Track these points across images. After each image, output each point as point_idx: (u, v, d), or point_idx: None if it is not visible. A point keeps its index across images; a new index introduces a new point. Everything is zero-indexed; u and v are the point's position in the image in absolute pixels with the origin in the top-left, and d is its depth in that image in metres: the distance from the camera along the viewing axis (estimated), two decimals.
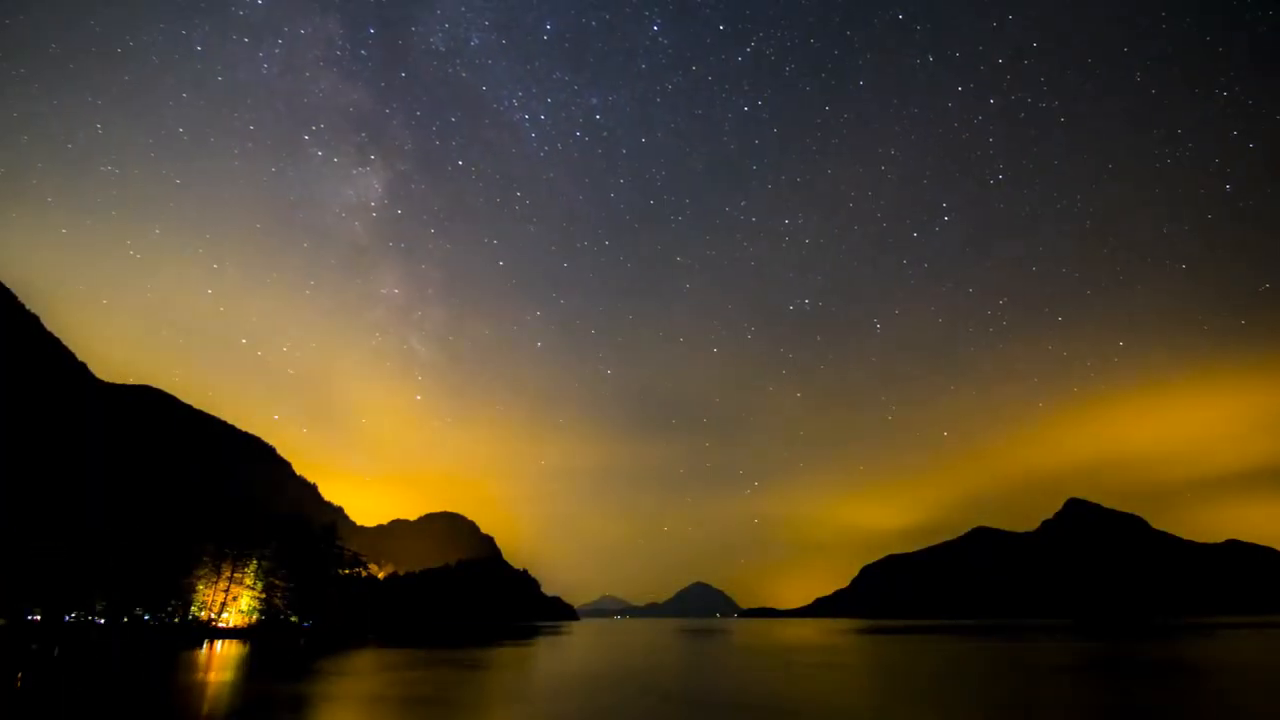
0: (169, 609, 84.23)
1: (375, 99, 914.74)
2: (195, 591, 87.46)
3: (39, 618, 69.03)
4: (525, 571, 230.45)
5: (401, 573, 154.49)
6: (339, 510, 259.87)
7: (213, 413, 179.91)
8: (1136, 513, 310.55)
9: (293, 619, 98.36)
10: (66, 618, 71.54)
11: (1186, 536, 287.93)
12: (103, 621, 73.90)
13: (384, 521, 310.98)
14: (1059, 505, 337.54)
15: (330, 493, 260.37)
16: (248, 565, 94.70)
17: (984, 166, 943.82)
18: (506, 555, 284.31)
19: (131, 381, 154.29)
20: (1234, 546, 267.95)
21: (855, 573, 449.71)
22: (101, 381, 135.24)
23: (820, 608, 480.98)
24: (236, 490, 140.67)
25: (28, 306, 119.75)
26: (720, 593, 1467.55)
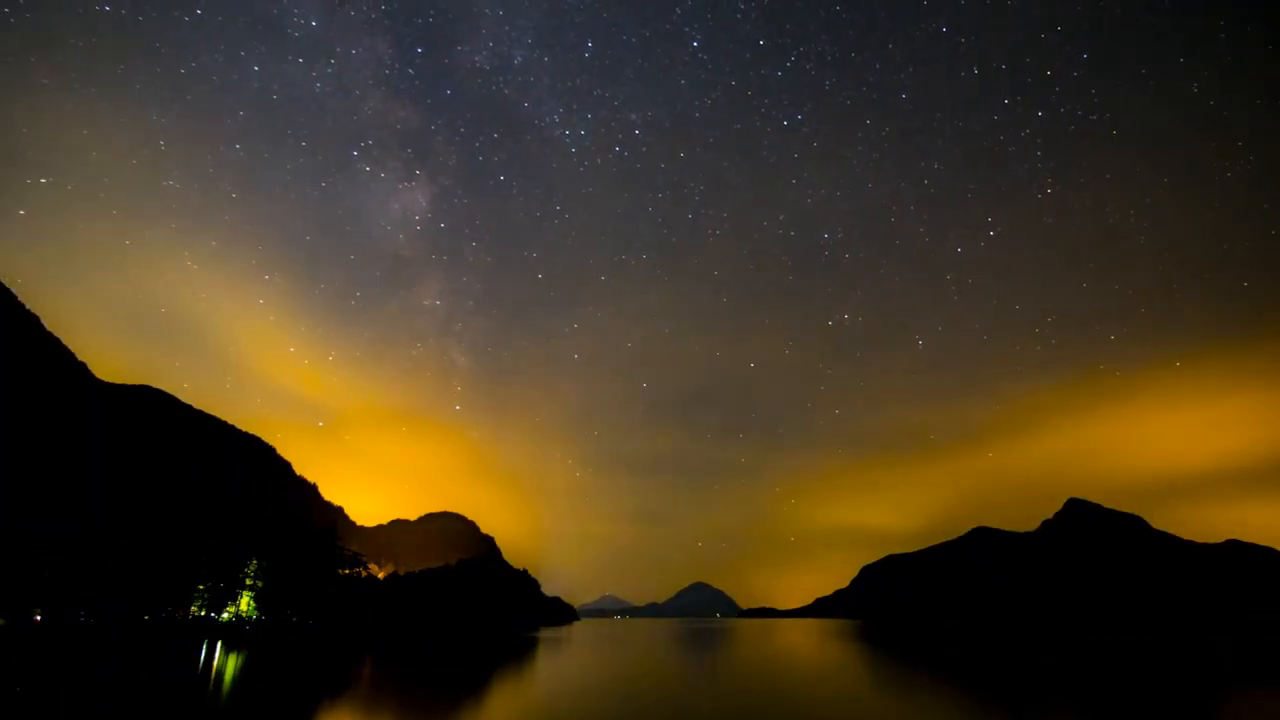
0: (169, 608, 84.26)
1: (421, 116, 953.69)
2: (195, 591, 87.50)
3: (40, 618, 69.05)
4: (525, 571, 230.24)
5: (401, 573, 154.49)
6: (339, 510, 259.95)
7: (214, 413, 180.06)
8: (1136, 513, 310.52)
9: (293, 619, 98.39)
10: (67, 617, 71.54)
11: (1186, 536, 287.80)
12: (103, 622, 73.90)
13: (384, 521, 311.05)
14: (1059, 505, 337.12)
15: (330, 493, 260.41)
16: (248, 565, 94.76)
17: (1032, 180, 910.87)
18: (506, 555, 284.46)
19: (133, 381, 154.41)
20: (1234, 546, 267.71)
21: (855, 573, 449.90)
22: (101, 381, 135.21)
23: (820, 608, 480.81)
24: (236, 490, 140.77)
25: (28, 306, 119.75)
26: (720, 593, 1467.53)
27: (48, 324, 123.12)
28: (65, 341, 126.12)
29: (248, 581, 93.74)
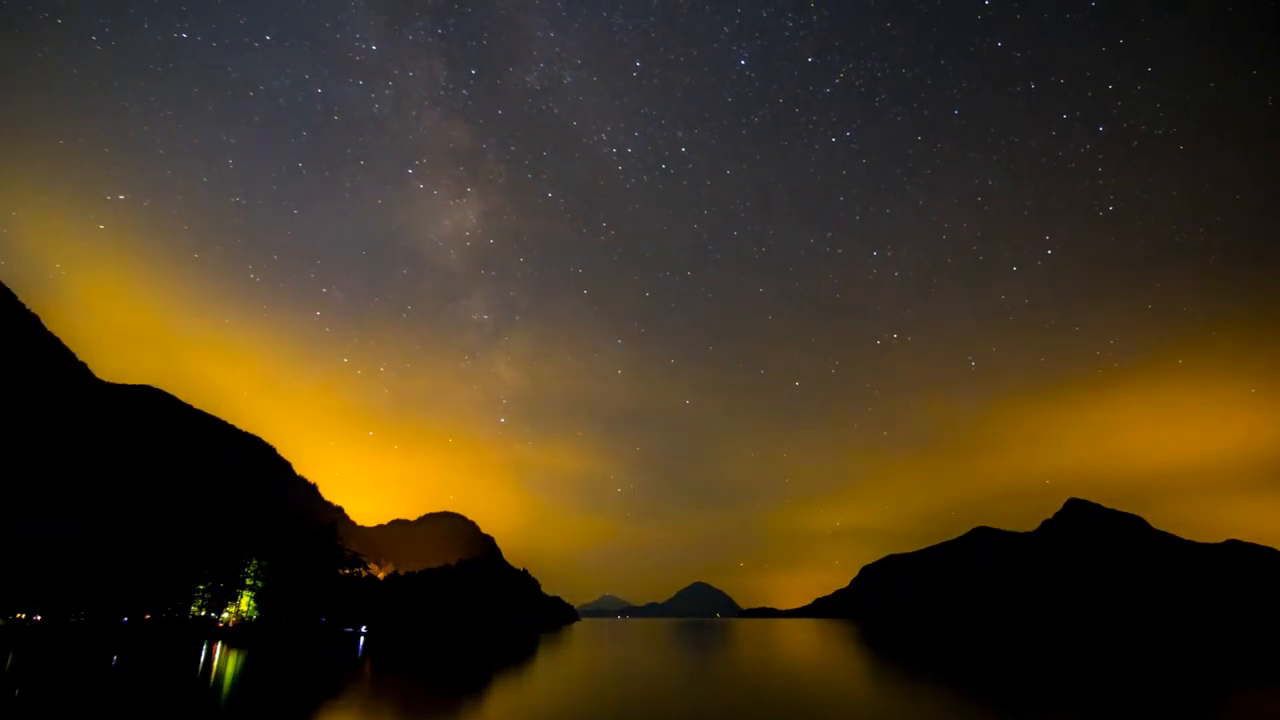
0: (169, 609, 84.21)
1: (474, 135, 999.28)
2: (195, 591, 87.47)
3: (40, 618, 69.01)
4: (525, 571, 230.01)
5: (401, 573, 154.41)
6: (339, 510, 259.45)
7: (215, 413, 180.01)
8: (1136, 513, 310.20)
9: (293, 619, 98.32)
10: (67, 617, 71.50)
11: (1186, 536, 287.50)
12: (103, 622, 73.85)
13: (384, 521, 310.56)
14: (1059, 505, 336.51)
15: (330, 493, 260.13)
16: (248, 565, 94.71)
17: (1092, 198, 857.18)
18: (506, 555, 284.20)
19: (138, 382, 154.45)
20: (1234, 546, 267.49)
21: (855, 573, 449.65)
22: (101, 381, 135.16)
23: (820, 608, 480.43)
24: (236, 490, 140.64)
25: (28, 306, 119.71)
26: (720, 593, 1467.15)
27: (48, 324, 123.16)
28: (120, 346, 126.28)
29: (248, 581, 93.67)
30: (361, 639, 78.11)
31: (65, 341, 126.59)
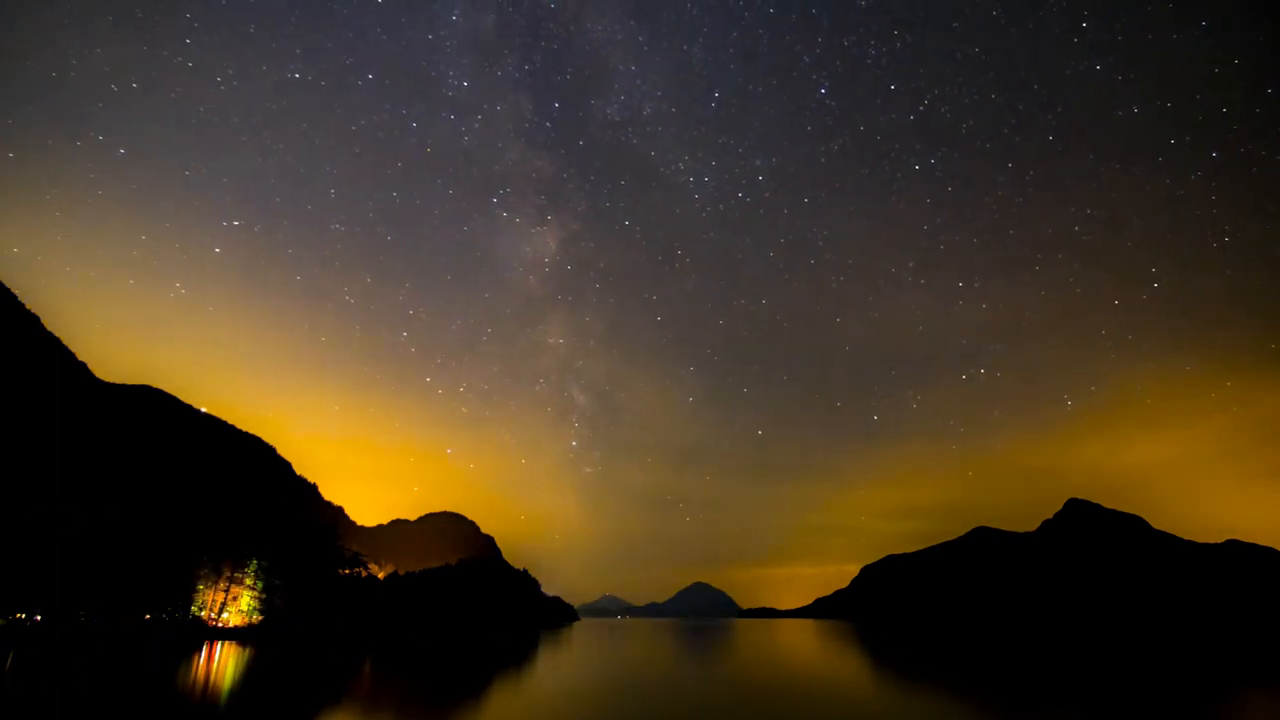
0: (169, 609, 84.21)
1: (556, 165, 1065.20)
2: (195, 592, 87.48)
3: (39, 619, 68.99)
4: (525, 571, 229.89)
5: (401, 573, 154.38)
6: (339, 510, 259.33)
7: (218, 414, 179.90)
8: (1136, 513, 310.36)
9: (293, 619, 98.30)
10: (67, 618, 71.47)
11: (1186, 536, 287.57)
12: (103, 622, 73.86)
13: (384, 521, 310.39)
14: (1059, 505, 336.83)
15: (330, 493, 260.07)
16: (248, 565, 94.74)
17: (1204, 228, 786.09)
18: (506, 555, 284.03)
19: (137, 382, 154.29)
20: (1234, 546, 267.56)
21: (855, 573, 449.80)
22: (101, 381, 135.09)
23: (820, 608, 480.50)
24: (236, 490, 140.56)
25: (28, 306, 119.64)
26: (720, 593, 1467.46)
27: (47, 324, 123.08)
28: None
29: (248, 581, 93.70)
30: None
31: (65, 341, 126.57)
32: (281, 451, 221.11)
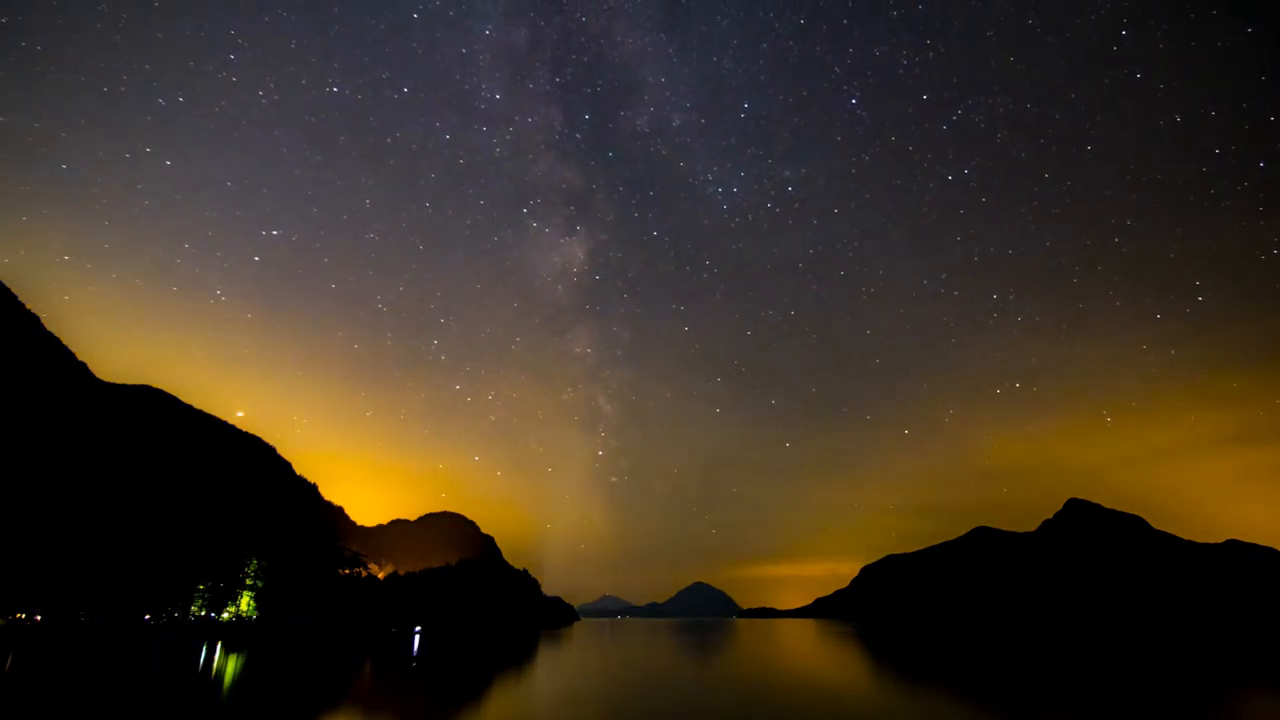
0: (169, 609, 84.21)
1: (585, 176, 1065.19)
2: (196, 591, 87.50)
3: (40, 618, 68.99)
4: (525, 571, 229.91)
5: (401, 573, 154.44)
6: (339, 510, 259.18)
7: (219, 415, 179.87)
8: (1136, 513, 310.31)
9: (293, 619, 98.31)
10: (67, 618, 71.48)
11: (1186, 536, 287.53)
12: (102, 622, 73.86)
13: (384, 521, 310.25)
14: (1059, 505, 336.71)
15: (330, 493, 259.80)
16: (248, 565, 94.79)
17: (1256, 239, 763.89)
18: (506, 555, 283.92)
19: (137, 382, 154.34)
20: (1234, 546, 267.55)
21: (855, 573, 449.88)
22: (101, 381, 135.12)
23: (820, 608, 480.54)
24: (237, 490, 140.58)
25: (28, 306, 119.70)
26: (720, 593, 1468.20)
27: (47, 324, 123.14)
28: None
29: (248, 581, 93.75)
30: (417, 639, 78.05)
31: (66, 342, 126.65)
32: (303, 461, 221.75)
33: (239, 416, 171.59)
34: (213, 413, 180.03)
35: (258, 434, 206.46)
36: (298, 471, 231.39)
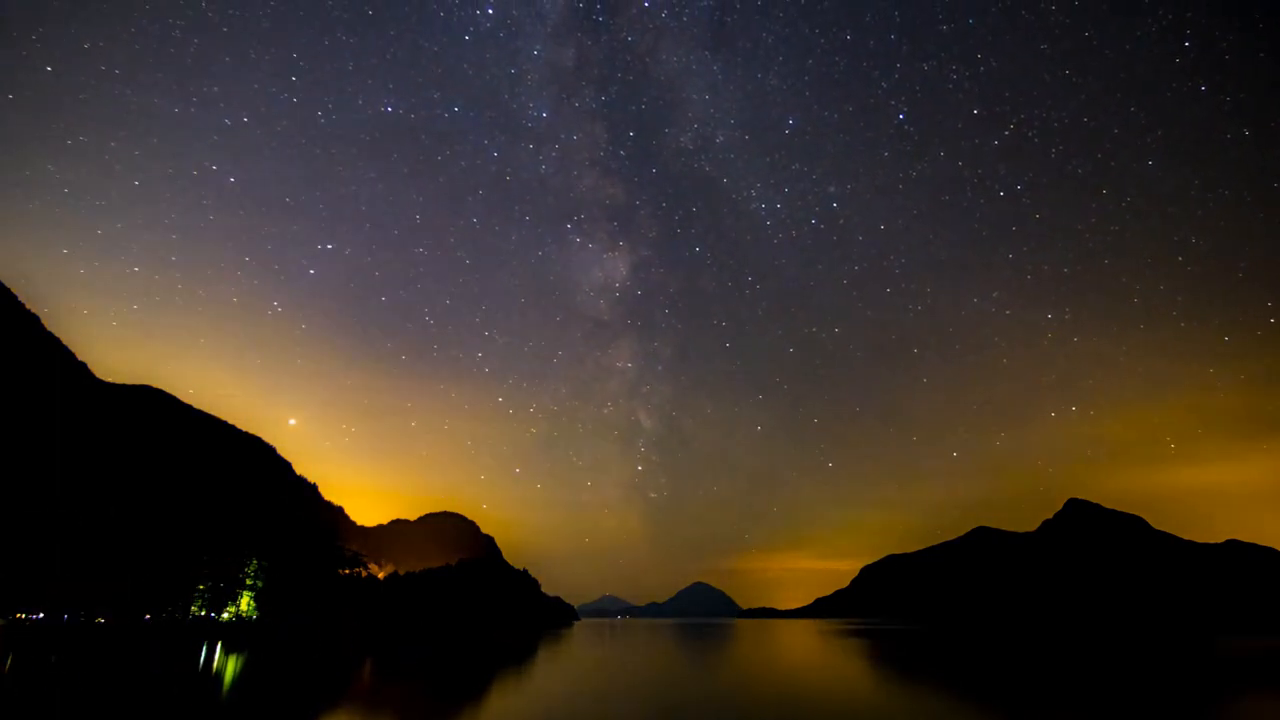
0: (169, 609, 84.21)
1: (628, 192, 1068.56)
2: (196, 591, 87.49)
3: (40, 617, 69.01)
4: (525, 571, 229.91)
5: (401, 573, 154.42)
6: (339, 510, 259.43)
7: (221, 415, 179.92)
8: (1137, 513, 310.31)
9: (293, 619, 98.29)
10: (68, 617, 71.49)
11: (1186, 536, 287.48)
12: (103, 622, 73.85)
13: (384, 521, 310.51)
14: (1059, 505, 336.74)
15: (330, 493, 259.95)
16: (248, 565, 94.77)
17: None
18: (506, 555, 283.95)
19: (137, 382, 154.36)
20: (1234, 546, 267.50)
21: (855, 573, 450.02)
22: (101, 381, 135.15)
23: (820, 608, 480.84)
24: (237, 490, 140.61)
25: (28, 306, 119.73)
26: (720, 593, 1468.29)
27: (46, 324, 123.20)
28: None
29: (248, 581, 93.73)
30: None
31: (65, 342, 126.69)
32: (338, 476, 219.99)
33: (291, 425, 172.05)
34: (255, 424, 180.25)
35: (309, 443, 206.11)
36: (298, 471, 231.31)
